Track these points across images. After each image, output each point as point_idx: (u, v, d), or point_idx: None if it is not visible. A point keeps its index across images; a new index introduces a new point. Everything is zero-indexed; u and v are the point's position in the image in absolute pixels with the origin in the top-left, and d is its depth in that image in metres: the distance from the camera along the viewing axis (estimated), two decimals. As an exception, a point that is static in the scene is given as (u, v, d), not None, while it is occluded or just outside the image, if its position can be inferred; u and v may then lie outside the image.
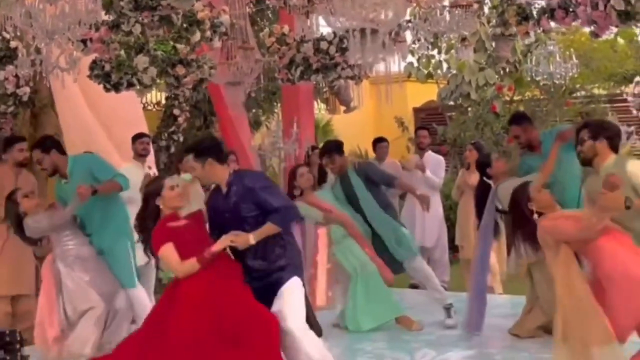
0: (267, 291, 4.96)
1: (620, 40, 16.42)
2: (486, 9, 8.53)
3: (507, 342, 6.49)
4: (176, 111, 10.95)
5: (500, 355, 6.06)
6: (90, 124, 8.69)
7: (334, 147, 7.71)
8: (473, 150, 9.01)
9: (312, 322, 5.45)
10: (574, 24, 7.26)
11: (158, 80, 7.05)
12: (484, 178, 7.03)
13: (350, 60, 7.58)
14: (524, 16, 7.46)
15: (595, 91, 15.98)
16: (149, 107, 13.85)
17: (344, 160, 7.67)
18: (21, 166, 7.26)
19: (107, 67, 6.41)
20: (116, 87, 6.43)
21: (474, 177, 8.80)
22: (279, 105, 14.01)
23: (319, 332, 5.67)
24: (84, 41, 6.24)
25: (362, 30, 5.09)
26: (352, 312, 7.00)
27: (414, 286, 8.92)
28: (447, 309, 7.27)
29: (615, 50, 16.37)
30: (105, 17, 6.26)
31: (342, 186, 7.48)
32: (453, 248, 9.71)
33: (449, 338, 6.66)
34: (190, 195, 8.34)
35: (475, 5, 6.83)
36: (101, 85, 6.33)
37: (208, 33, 6.75)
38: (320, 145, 9.34)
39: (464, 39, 8.88)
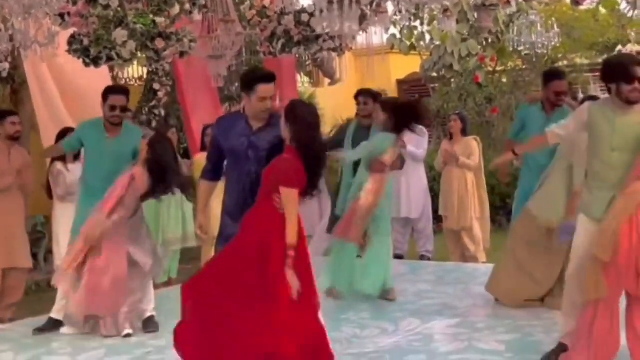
0: None
1: (602, 10, 16.44)
2: (467, -21, 8.52)
3: (490, 310, 6.53)
4: (156, 85, 10.86)
5: (483, 323, 6.08)
6: (58, 102, 8.64)
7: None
8: (457, 120, 9.03)
9: None
10: (555, -7, 7.26)
11: (138, 54, 7.01)
12: None
13: (319, 30, 7.50)
14: (505, -15, 7.46)
15: (578, 61, 16.01)
16: (131, 82, 13.76)
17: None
18: (13, 140, 7.21)
19: (86, 42, 6.38)
20: (95, 62, 6.41)
21: (457, 147, 8.86)
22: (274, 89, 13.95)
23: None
24: (61, 15, 6.20)
25: (339, 1, 5.06)
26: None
27: (398, 256, 8.96)
28: None
29: (597, 19, 16.40)
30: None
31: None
32: (437, 218, 9.75)
33: (433, 307, 6.69)
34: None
35: (456, -25, 6.81)
36: (80, 60, 6.27)
37: (187, 6, 6.74)
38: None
39: (446, 10, 8.84)
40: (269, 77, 5.04)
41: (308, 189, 4.69)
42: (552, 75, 6.71)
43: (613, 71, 4.84)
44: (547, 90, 6.54)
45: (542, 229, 6.24)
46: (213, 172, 5.34)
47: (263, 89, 4.95)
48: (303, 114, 4.68)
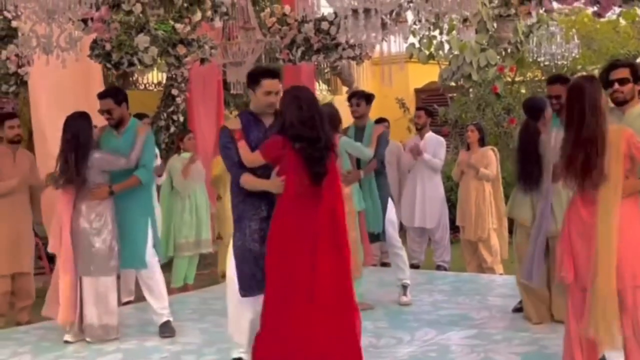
0: None
1: (622, 22, 16.33)
2: (488, -11, 8.50)
3: (507, 322, 6.51)
4: (174, 91, 10.93)
5: (500, 335, 6.06)
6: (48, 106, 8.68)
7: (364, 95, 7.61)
8: (475, 130, 9.01)
9: None
10: (576, 4, 7.23)
11: (159, 60, 7.05)
12: None
13: (343, 40, 7.53)
14: (525, -4, 7.44)
15: (596, 72, 15.92)
16: (150, 88, 13.83)
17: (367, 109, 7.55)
18: (16, 143, 7.24)
19: (108, 47, 6.42)
20: (116, 67, 6.44)
21: (474, 158, 8.84)
22: (280, 85, 13.97)
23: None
24: (84, 21, 6.23)
25: (365, 11, 5.07)
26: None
27: (414, 266, 8.95)
28: (405, 287, 7.28)
29: (617, 31, 16.30)
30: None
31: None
32: (454, 229, 9.72)
33: (450, 318, 6.68)
34: (191, 172, 8.42)
35: (477, -14, 6.80)
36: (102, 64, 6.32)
37: (209, 13, 6.76)
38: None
39: (465, 20, 8.83)
40: (274, 73, 5.18)
41: (311, 177, 4.78)
42: (550, 79, 6.73)
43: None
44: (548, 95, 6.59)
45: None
46: (245, 168, 5.18)
47: (268, 83, 5.08)
48: (297, 99, 4.89)
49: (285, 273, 4.78)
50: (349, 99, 7.60)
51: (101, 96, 6.49)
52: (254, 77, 5.15)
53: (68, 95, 8.40)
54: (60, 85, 8.35)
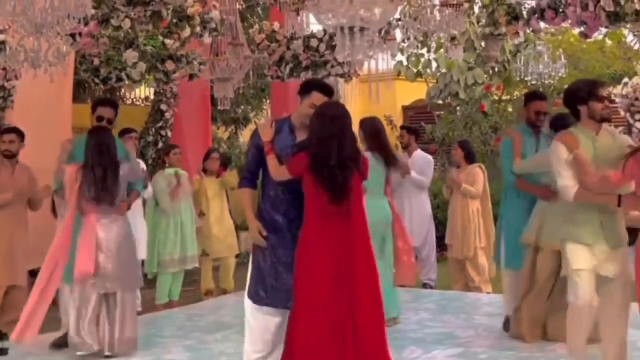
0: None
1: (609, 42, 16.48)
2: (476, 9, 8.54)
3: (493, 341, 6.50)
4: (163, 106, 10.91)
5: (485, 354, 6.05)
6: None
7: None
8: (457, 148, 9.04)
9: None
10: (563, 24, 7.29)
11: (147, 76, 7.04)
12: None
13: (340, 58, 7.55)
14: (513, 16, 7.49)
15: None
16: (137, 103, 13.81)
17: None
18: (7, 157, 7.20)
19: (96, 62, 6.41)
20: (105, 82, 6.43)
21: (461, 175, 8.85)
22: (268, 102, 14.00)
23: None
24: (72, 35, 6.22)
25: (352, 28, 5.08)
26: None
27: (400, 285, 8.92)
28: None
29: (603, 51, 16.43)
30: (94, 12, 6.23)
31: None
32: (440, 246, 9.71)
33: (435, 336, 6.66)
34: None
35: (466, 5, 6.84)
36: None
37: (198, 29, 6.75)
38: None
39: (453, 38, 8.88)
40: (327, 90, 5.07)
41: (328, 197, 4.74)
42: (532, 96, 6.77)
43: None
44: (529, 111, 6.59)
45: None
46: (253, 181, 5.18)
47: (318, 96, 4.97)
48: (322, 115, 4.79)
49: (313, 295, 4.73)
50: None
51: (103, 104, 6.48)
52: (307, 87, 5.06)
53: (40, 108, 8.36)
54: (33, 97, 8.31)
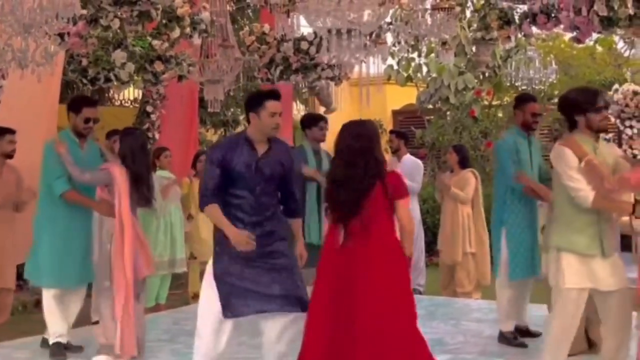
0: None
1: (599, 48, 16.50)
2: (468, 13, 8.53)
3: (481, 347, 6.47)
4: (149, 108, 10.81)
5: (474, 360, 6.04)
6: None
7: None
8: (453, 152, 9.00)
9: None
10: (555, 30, 7.27)
11: (135, 77, 6.99)
12: None
13: (325, 59, 7.52)
14: (505, 20, 7.47)
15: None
16: (126, 104, 13.73)
17: None
18: (8, 158, 7.11)
19: (84, 62, 6.35)
20: (93, 82, 6.37)
21: (453, 180, 8.82)
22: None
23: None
24: (61, 35, 6.15)
25: (339, 31, 5.06)
26: None
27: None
28: None
29: (594, 57, 16.46)
30: (84, 12, 6.17)
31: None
32: (429, 252, 9.68)
33: (424, 342, 6.62)
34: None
35: (457, 9, 6.81)
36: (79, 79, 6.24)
37: (188, 30, 6.71)
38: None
39: (444, 43, 8.85)
40: (276, 94, 5.11)
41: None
42: (527, 97, 6.74)
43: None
44: (524, 113, 6.54)
45: None
46: (219, 196, 5.04)
47: (272, 104, 4.99)
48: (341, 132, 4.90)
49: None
50: (318, 121, 7.43)
51: (89, 104, 6.37)
52: (258, 100, 5.04)
53: (26, 108, 8.28)
54: (19, 97, 8.22)
